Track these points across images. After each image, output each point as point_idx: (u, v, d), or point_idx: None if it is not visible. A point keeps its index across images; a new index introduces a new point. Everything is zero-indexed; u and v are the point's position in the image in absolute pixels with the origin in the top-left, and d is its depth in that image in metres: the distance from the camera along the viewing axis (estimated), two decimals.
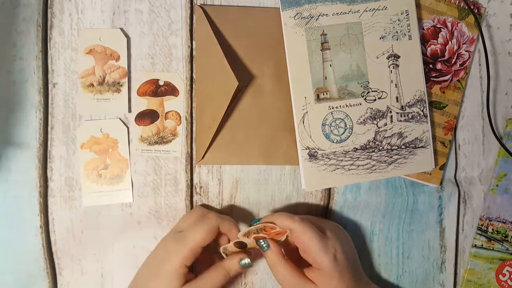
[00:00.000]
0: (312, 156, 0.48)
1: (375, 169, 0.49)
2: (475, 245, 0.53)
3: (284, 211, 0.51)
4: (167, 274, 0.42)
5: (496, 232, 0.53)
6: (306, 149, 0.48)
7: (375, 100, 0.49)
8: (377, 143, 0.49)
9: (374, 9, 0.49)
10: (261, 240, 0.44)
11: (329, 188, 0.52)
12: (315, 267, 0.44)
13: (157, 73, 0.49)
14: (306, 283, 0.43)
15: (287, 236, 0.44)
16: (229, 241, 0.46)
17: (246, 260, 0.44)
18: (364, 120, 0.49)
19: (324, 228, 0.45)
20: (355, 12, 0.48)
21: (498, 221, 0.53)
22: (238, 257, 0.44)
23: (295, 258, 0.45)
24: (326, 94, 0.48)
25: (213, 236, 0.44)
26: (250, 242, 0.45)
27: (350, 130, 0.49)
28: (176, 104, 0.49)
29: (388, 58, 0.49)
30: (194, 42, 0.49)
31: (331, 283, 0.43)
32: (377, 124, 0.49)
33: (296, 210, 0.52)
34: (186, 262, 0.43)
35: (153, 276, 0.43)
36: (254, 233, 0.44)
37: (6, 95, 0.48)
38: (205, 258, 0.47)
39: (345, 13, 0.48)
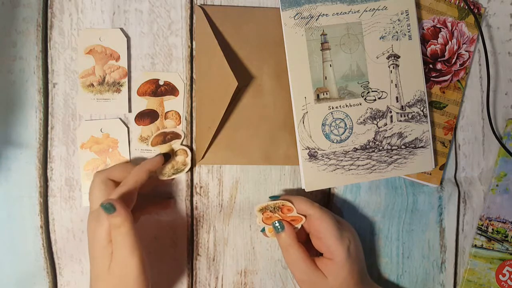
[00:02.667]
0: (312, 156, 0.48)
1: (375, 169, 0.49)
2: (475, 245, 0.53)
3: None
4: (98, 253, 0.40)
5: (496, 232, 0.53)
6: (306, 149, 0.48)
7: (375, 100, 0.49)
8: (377, 143, 0.49)
9: (374, 9, 0.49)
10: (276, 221, 0.44)
11: (329, 188, 0.52)
12: (326, 257, 0.44)
13: (157, 73, 0.49)
14: (316, 270, 0.43)
15: (301, 225, 0.44)
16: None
17: (107, 205, 0.40)
18: (364, 120, 0.49)
19: (339, 220, 0.46)
20: (355, 12, 0.48)
21: (498, 221, 0.53)
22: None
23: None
24: (326, 94, 0.48)
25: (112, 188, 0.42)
26: (178, 158, 0.48)
27: (350, 130, 0.49)
28: (176, 104, 0.49)
29: (388, 58, 0.49)
30: (194, 42, 0.49)
31: (341, 274, 0.43)
32: (377, 124, 0.49)
33: None
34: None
35: (91, 259, 0.42)
36: (270, 211, 0.44)
37: (6, 95, 0.48)
38: None
39: (345, 13, 0.48)
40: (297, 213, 0.45)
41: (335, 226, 0.43)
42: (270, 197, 0.47)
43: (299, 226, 0.45)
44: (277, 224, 0.44)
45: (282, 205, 0.44)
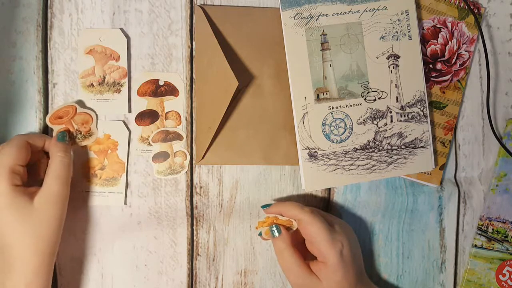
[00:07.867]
0: (312, 156, 0.48)
1: (375, 169, 0.49)
2: (475, 245, 0.53)
3: None
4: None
5: (496, 232, 0.53)
6: (306, 149, 0.48)
7: (375, 100, 0.49)
8: (377, 143, 0.49)
9: (374, 9, 0.49)
10: (273, 225, 0.45)
11: (329, 188, 0.52)
12: (320, 261, 0.44)
13: (157, 73, 0.49)
14: (310, 274, 0.44)
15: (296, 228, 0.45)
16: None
17: (61, 133, 0.43)
18: (364, 120, 0.49)
19: (333, 222, 0.46)
20: (355, 12, 0.48)
21: (498, 221, 0.53)
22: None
23: (300, 251, 0.45)
24: (326, 94, 0.48)
25: (26, 152, 0.42)
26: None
27: (350, 130, 0.49)
28: (176, 104, 0.49)
29: (388, 58, 0.49)
30: (194, 42, 0.49)
31: (334, 277, 0.43)
32: (377, 124, 0.49)
33: None
34: (13, 182, 0.40)
35: None
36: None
37: (6, 95, 0.48)
38: None
39: (345, 13, 0.48)
40: (288, 218, 0.46)
41: (326, 230, 0.43)
42: (262, 206, 0.48)
43: (294, 227, 0.46)
44: (273, 228, 0.45)
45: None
